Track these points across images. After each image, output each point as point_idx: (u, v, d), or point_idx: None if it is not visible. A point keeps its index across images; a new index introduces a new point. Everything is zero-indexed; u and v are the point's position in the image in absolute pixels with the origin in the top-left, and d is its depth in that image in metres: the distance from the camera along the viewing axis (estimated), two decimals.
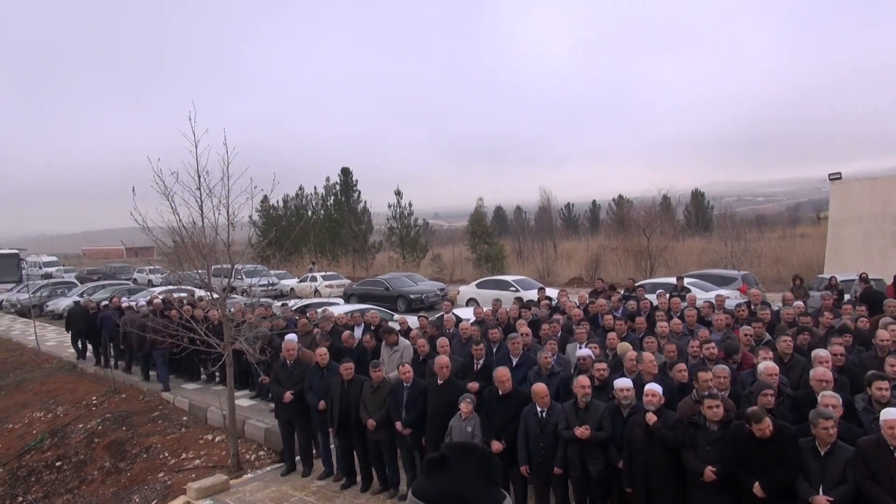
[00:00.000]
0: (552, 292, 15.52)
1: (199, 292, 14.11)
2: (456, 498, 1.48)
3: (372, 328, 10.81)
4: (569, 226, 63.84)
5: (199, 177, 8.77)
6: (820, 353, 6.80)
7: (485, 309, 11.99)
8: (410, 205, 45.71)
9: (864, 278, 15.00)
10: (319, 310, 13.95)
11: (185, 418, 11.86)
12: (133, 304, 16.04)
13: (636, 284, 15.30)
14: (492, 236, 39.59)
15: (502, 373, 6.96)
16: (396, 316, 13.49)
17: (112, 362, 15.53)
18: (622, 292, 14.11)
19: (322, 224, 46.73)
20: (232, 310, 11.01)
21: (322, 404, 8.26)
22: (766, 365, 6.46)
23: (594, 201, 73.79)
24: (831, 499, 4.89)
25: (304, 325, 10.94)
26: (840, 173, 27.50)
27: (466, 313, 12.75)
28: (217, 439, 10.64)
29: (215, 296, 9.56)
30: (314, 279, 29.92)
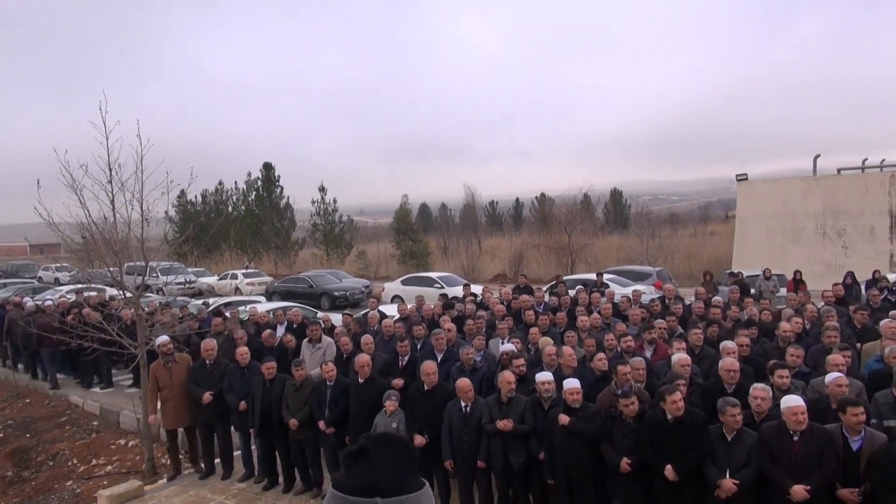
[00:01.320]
0: (477, 288, 15.68)
1: (111, 291, 13.51)
2: (379, 488, 1.48)
3: (294, 326, 10.62)
4: (493, 223, 64.72)
5: (110, 170, 8.38)
6: (727, 344, 7.18)
7: (409, 306, 12.00)
8: (335, 201, 45.26)
9: (766, 275, 15.89)
10: (241, 308, 13.62)
11: (95, 423, 11.31)
12: (39, 302, 15.19)
13: (558, 281, 15.67)
14: (417, 233, 39.72)
15: (429, 367, 7.01)
16: (320, 314, 13.29)
17: (17, 365, 14.69)
18: (544, 289, 14.42)
19: (243, 220, 45.55)
20: (146, 308, 10.58)
21: (243, 405, 8.07)
22: (679, 356, 6.75)
23: (518, 199, 75.08)
24: (737, 481, 5.17)
25: (218, 324, 10.60)
26: (746, 174, 29.05)
27: (391, 310, 12.73)
28: (130, 444, 10.21)
29: (128, 294, 9.16)
30: (234, 277, 29.13)
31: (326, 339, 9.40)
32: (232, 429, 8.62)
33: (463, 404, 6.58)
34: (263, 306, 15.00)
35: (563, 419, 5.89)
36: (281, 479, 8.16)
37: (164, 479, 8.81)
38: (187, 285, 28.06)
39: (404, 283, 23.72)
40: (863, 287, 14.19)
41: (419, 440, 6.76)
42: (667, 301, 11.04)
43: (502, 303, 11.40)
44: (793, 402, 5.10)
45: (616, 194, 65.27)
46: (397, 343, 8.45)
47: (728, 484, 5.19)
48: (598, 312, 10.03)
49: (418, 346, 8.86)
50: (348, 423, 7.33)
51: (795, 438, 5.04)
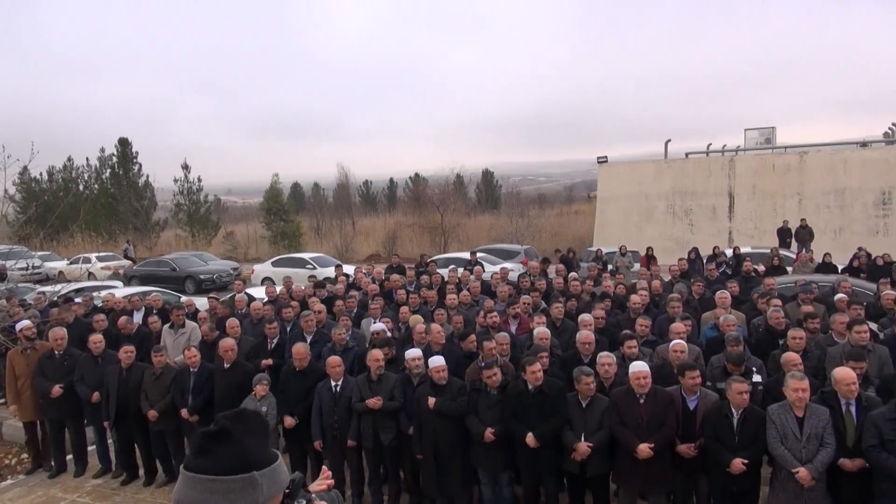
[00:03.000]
0: (349, 269, 15.60)
1: None
2: (251, 463, 1.49)
3: (155, 312, 10.08)
4: (367, 203, 64.29)
5: None
6: (584, 317, 7.64)
7: (278, 288, 11.75)
8: (200, 180, 43.06)
9: (622, 252, 16.99)
10: (96, 294, 12.72)
11: None
12: None
13: (429, 259, 15.92)
14: (288, 213, 38.66)
15: (299, 349, 6.92)
16: (184, 298, 12.69)
17: None
18: (414, 266, 14.59)
19: (96, 200, 42.26)
20: None
21: (96, 396, 7.57)
22: (540, 330, 7.11)
23: (392, 179, 74.97)
24: (591, 444, 5.56)
25: (55, 314, 9.83)
26: (606, 157, 30.75)
27: (260, 293, 12.39)
28: None
29: None
30: (87, 261, 27.07)
31: (190, 324, 9.03)
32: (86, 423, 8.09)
33: (333, 384, 6.57)
34: (121, 291, 14.09)
35: (431, 402, 6.03)
36: (142, 471, 7.78)
37: (10, 480, 8.13)
38: (32, 271, 25.74)
39: (275, 264, 23.13)
40: (705, 261, 15.53)
41: (289, 422, 6.70)
42: (532, 277, 11.53)
43: (374, 282, 11.42)
44: (637, 367, 5.54)
45: (487, 175, 66.80)
46: (265, 325, 8.27)
47: (583, 447, 5.56)
48: (468, 290, 10.31)
49: (288, 329, 8.72)
50: (213, 409, 7.10)
51: (641, 401, 5.49)
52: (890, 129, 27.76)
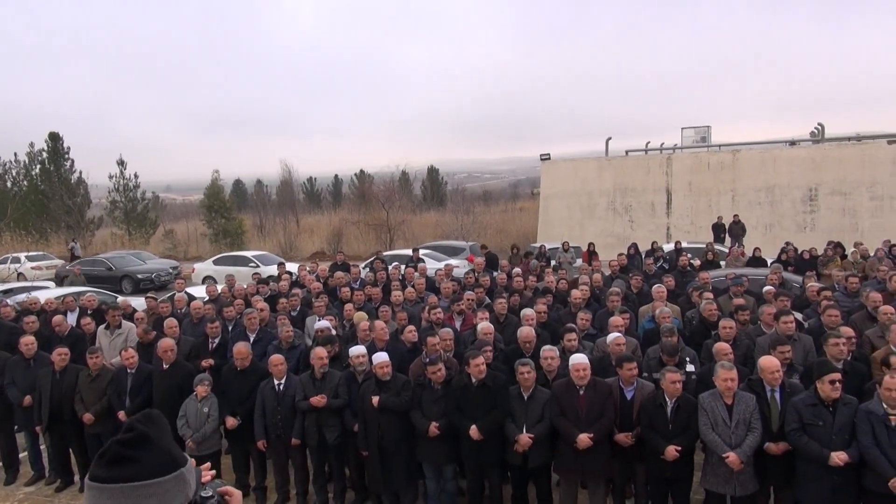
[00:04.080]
0: (292, 266, 15.42)
1: None
2: (175, 460, 1.50)
3: (89, 313, 9.77)
4: (311, 200, 63.59)
5: None
6: (526, 312, 7.78)
7: (220, 286, 11.54)
8: (137, 176, 41.70)
9: (564, 248, 17.31)
10: (24, 294, 12.23)
11: None
12: None
13: (376, 257, 15.89)
14: (230, 210, 37.83)
15: (240, 348, 6.83)
16: (120, 299, 12.32)
17: None
18: (362, 265, 14.55)
19: (26, 197, 40.46)
20: None
21: (27, 399, 7.30)
22: (484, 325, 7.21)
23: (336, 176, 74.31)
24: (532, 436, 5.68)
25: None
26: (549, 154, 31.21)
27: (200, 292, 12.14)
28: None
29: None
30: (17, 260, 25.94)
31: (127, 325, 8.78)
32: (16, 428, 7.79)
33: (276, 382, 6.52)
34: (52, 292, 13.58)
35: (375, 400, 6.05)
36: (77, 477, 7.54)
37: None
38: None
39: (217, 262, 22.69)
40: (644, 256, 15.97)
41: (231, 422, 6.62)
42: (476, 274, 11.65)
43: (318, 280, 11.34)
44: (576, 360, 5.69)
45: (433, 172, 66.93)
46: (206, 325, 8.13)
47: (524, 439, 5.68)
48: (413, 287, 10.35)
49: (230, 328, 8.58)
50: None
51: (581, 392, 5.64)
52: (816, 128, 29.07)
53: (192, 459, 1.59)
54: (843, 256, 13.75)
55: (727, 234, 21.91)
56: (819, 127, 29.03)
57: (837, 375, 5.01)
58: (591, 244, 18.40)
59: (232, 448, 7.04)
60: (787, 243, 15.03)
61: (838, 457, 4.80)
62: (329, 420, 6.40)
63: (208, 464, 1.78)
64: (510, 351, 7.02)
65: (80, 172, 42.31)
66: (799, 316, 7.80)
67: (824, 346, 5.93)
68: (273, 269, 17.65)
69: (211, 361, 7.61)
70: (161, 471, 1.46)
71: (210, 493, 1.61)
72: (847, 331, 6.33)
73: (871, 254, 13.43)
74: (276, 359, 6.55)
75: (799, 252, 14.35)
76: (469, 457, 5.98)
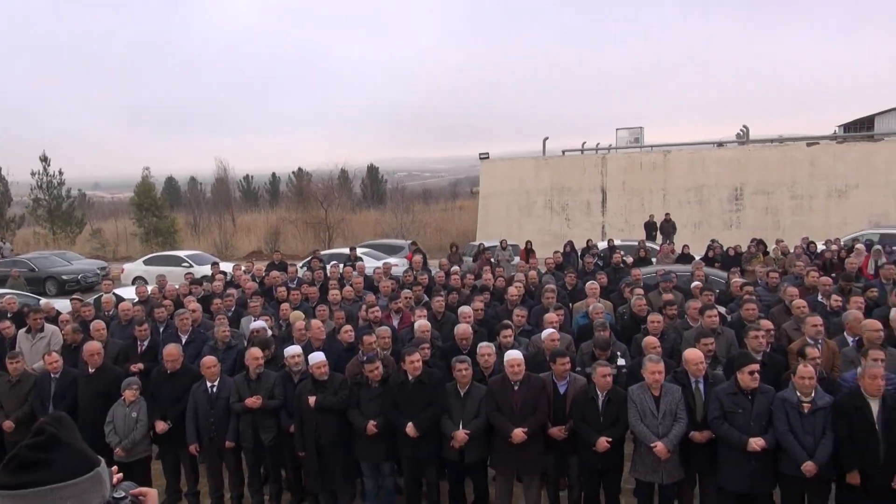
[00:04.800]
0: (227, 266, 15.09)
1: None
2: (89, 460, 1.48)
3: (9, 316, 9.32)
4: (248, 198, 62.22)
5: None
6: (464, 309, 7.87)
7: (150, 287, 11.21)
8: (61, 173, 39.88)
9: (502, 246, 17.53)
10: None
11: None
12: None
13: (314, 256, 15.71)
14: (162, 209, 36.67)
15: (171, 350, 6.66)
16: (43, 301, 11.81)
17: None
18: (300, 264, 14.37)
19: None
20: None
21: None
22: (421, 322, 7.26)
23: (274, 174, 72.97)
24: (468, 431, 5.75)
25: None
26: (488, 154, 31.52)
27: (130, 293, 11.76)
28: None
29: None
30: None
31: (50, 328, 8.43)
32: None
33: (209, 384, 6.39)
34: None
35: (311, 400, 6.01)
36: None
37: None
38: None
39: (147, 262, 22.00)
40: (580, 254, 16.33)
41: (161, 426, 6.45)
42: (414, 272, 11.68)
43: (254, 280, 11.15)
44: (511, 356, 5.80)
45: (373, 170, 66.56)
46: (135, 327, 7.88)
47: (460, 435, 5.75)
48: (350, 286, 10.30)
49: (160, 330, 8.35)
50: (77, 417, 6.69)
51: (516, 388, 5.74)
52: (741, 130, 30.32)
53: (103, 459, 1.57)
54: (766, 253, 14.39)
55: (659, 232, 22.62)
56: (744, 129, 30.28)
57: (756, 366, 5.27)
58: (528, 242, 18.65)
59: (162, 453, 6.86)
60: (713, 241, 15.62)
61: (756, 442, 5.05)
62: (264, 421, 6.32)
63: (115, 467, 1.75)
64: (447, 348, 7.08)
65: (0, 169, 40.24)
66: (723, 310, 8.15)
67: (745, 338, 6.23)
68: (207, 270, 17.23)
69: (140, 365, 7.38)
70: (76, 472, 1.44)
71: (122, 494, 1.59)
72: (766, 324, 6.66)
73: (791, 251, 14.10)
74: (209, 360, 6.43)
75: (725, 249, 14.94)
76: (406, 454, 6.01)
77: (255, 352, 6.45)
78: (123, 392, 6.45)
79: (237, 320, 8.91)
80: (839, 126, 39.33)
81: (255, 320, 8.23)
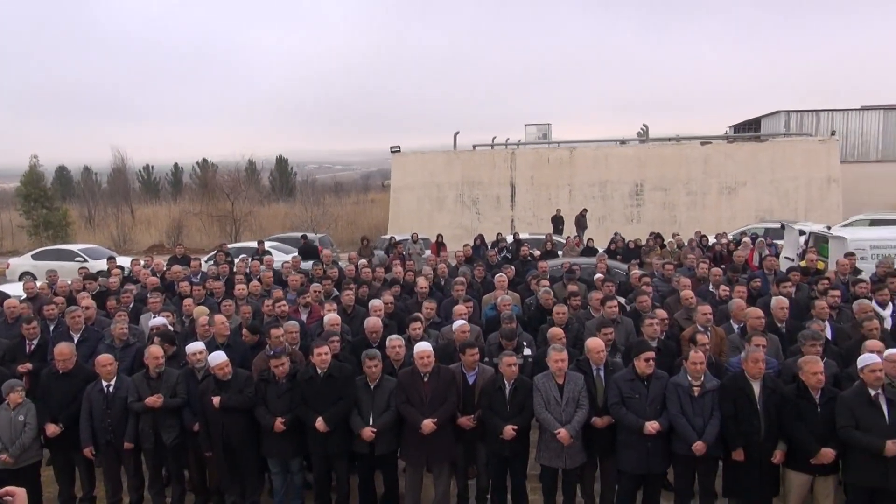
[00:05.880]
0: (124, 261, 14.40)
1: None
2: None
3: None
4: (149, 189, 59.40)
5: None
6: (374, 303, 7.87)
7: (39, 283, 10.53)
8: None
9: (413, 239, 17.60)
10: None
11: None
12: None
13: (219, 250, 15.21)
14: (52, 200, 34.41)
15: (62, 349, 6.29)
16: None
17: None
18: (204, 259, 13.88)
19: None
20: None
21: None
22: (331, 316, 7.19)
23: (177, 164, 69.97)
24: (374, 429, 5.76)
25: None
26: (399, 147, 31.48)
27: (16, 289, 11.02)
28: None
29: None
30: None
31: None
32: None
33: (104, 384, 6.09)
34: None
35: (216, 401, 5.85)
36: None
37: None
38: None
39: (36, 257, 20.76)
40: (489, 247, 16.63)
41: (52, 429, 6.10)
42: (325, 266, 11.54)
43: (154, 274, 10.70)
44: (420, 348, 5.86)
45: (282, 162, 65.05)
46: (23, 326, 7.40)
47: (367, 432, 5.75)
48: (259, 280, 10.07)
49: (51, 328, 7.88)
50: None
51: (425, 379, 5.80)
52: (642, 129, 31.72)
53: None
54: (663, 246, 15.16)
55: (576, 226, 23.44)
56: (644, 127, 31.71)
57: (651, 353, 5.57)
58: (439, 235, 18.84)
59: (54, 457, 6.48)
60: (616, 234, 16.32)
61: (651, 425, 5.34)
62: (166, 420, 6.10)
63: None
64: (357, 342, 7.06)
65: None
66: (623, 300, 8.52)
67: (641, 327, 6.56)
68: (103, 264, 16.36)
69: (28, 365, 6.95)
70: None
71: None
72: (660, 313, 7.03)
73: (686, 244, 14.92)
74: (104, 359, 6.12)
75: (626, 242, 15.62)
76: (316, 449, 5.95)
77: (156, 349, 6.21)
78: (6, 395, 6.04)
79: (136, 317, 8.53)
80: (730, 127, 41.90)
81: (155, 317, 7.91)
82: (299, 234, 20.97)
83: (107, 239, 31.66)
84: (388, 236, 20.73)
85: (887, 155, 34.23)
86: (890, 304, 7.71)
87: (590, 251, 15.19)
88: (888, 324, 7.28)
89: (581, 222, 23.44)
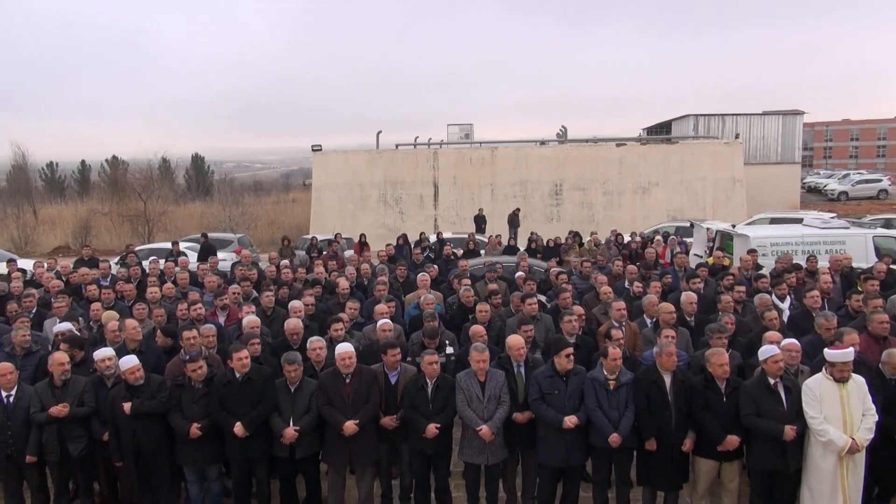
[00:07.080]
0: (27, 263, 13.58)
1: None
2: None
3: None
4: (53, 188, 56.19)
5: None
6: (294, 304, 7.75)
7: None
8: None
9: (336, 238, 17.40)
10: None
11: None
12: None
13: (128, 251, 14.56)
14: None
15: None
16: None
17: None
18: (113, 261, 13.27)
19: None
20: None
21: None
22: (249, 319, 7.05)
23: (84, 161, 66.49)
24: (297, 428, 5.68)
25: None
26: (321, 146, 31.08)
27: None
28: None
29: None
30: None
31: None
32: None
33: (4, 394, 5.73)
34: None
35: (126, 407, 5.61)
36: None
37: None
38: None
39: None
40: (413, 246, 16.65)
41: None
42: (245, 267, 11.26)
43: (59, 278, 10.14)
44: (342, 349, 5.82)
45: (198, 160, 62.95)
46: None
47: (290, 432, 5.66)
48: (173, 282, 9.71)
49: None
50: None
51: (347, 381, 5.76)
52: (561, 130, 32.52)
53: None
54: (581, 244, 15.60)
55: (509, 225, 23.82)
56: (563, 129, 32.52)
57: (570, 350, 5.72)
58: (362, 235, 18.72)
59: None
60: (533, 233, 16.66)
61: (569, 420, 5.50)
62: (73, 431, 5.79)
63: None
64: (278, 344, 6.93)
65: None
66: (543, 298, 8.72)
67: (560, 323, 6.73)
68: (2, 268, 15.37)
69: None
70: None
71: None
72: (578, 309, 7.24)
73: (602, 242, 15.41)
74: (2, 367, 5.75)
75: (546, 241, 15.98)
76: (234, 454, 5.81)
77: (60, 356, 5.89)
78: None
79: (39, 323, 8.06)
80: (643, 129, 43.57)
81: (59, 322, 7.49)
82: (218, 235, 20.39)
83: (6, 241, 29.80)
84: (309, 236, 20.41)
85: (786, 157, 36.51)
86: (788, 298, 8.23)
87: (511, 250, 15.46)
88: (786, 316, 7.76)
89: (514, 221, 23.89)
